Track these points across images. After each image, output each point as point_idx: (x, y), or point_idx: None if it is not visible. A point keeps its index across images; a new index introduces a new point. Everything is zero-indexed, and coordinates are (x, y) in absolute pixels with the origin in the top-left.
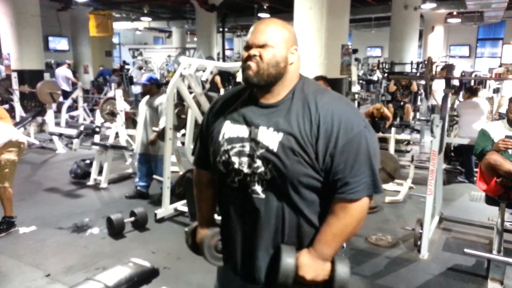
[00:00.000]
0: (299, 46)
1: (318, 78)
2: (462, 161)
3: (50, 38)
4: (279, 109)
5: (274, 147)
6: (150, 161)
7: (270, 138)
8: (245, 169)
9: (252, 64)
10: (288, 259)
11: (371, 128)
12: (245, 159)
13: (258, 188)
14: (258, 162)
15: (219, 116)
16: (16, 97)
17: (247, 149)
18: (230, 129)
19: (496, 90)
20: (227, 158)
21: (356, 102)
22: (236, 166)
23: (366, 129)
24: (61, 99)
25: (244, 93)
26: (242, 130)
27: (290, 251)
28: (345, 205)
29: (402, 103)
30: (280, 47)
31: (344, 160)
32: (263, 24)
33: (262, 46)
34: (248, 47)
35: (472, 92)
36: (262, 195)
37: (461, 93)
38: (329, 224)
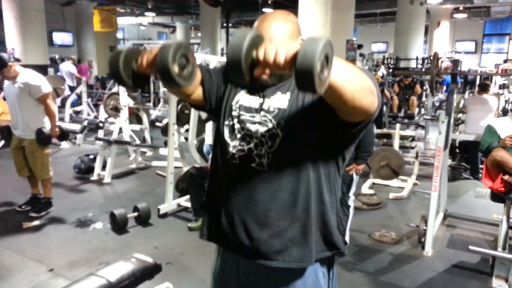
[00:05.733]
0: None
1: None
2: (467, 157)
3: (54, 33)
4: (285, 83)
5: (284, 105)
6: None
7: (279, 100)
8: (253, 140)
9: None
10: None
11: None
12: (254, 126)
13: (263, 160)
14: (269, 125)
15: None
16: None
17: (257, 118)
18: (245, 98)
19: (502, 86)
20: (235, 123)
21: None
22: (245, 131)
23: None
24: (67, 93)
25: None
26: (255, 102)
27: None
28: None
29: (406, 96)
30: None
31: None
32: (267, 22)
33: None
34: None
35: (482, 88)
36: (266, 168)
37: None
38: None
